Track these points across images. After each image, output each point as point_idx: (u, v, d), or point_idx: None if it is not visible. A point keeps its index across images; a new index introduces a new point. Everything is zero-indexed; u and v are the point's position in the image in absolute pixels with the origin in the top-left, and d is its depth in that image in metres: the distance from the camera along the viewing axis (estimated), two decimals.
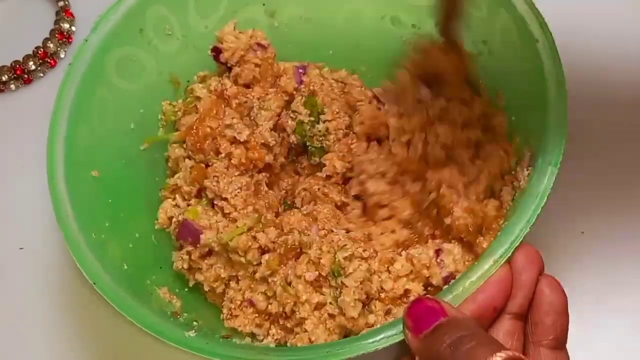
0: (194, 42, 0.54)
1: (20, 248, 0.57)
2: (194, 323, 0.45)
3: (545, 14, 0.46)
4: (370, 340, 0.38)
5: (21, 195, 0.59)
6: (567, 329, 0.39)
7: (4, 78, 0.63)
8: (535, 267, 0.40)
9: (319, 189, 0.51)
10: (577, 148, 0.55)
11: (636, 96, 0.59)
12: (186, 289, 0.50)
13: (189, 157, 0.51)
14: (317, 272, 0.45)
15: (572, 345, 0.40)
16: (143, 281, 0.46)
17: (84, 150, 0.47)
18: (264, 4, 0.55)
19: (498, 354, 0.33)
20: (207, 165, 0.50)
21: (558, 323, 0.39)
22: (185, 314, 0.46)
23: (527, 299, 0.40)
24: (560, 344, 0.39)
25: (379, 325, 0.44)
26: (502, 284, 0.39)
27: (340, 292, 0.44)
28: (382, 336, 0.38)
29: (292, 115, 0.52)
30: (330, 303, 0.44)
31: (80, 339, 0.53)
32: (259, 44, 0.53)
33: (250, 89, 0.53)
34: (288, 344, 0.46)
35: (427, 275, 0.45)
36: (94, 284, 0.42)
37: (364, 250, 0.46)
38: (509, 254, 0.39)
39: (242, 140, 0.50)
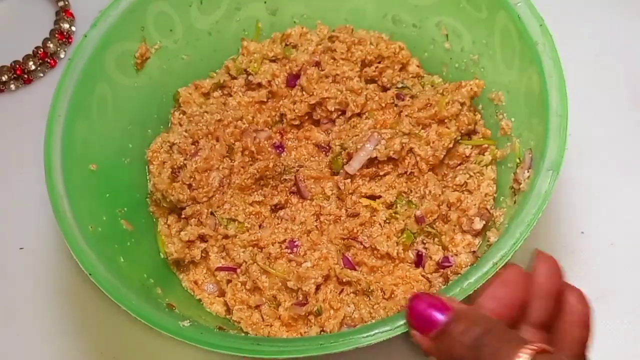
0: (196, 38, 0.54)
1: (20, 248, 0.57)
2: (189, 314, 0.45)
3: (545, 16, 0.45)
4: (364, 335, 0.38)
5: (21, 195, 0.59)
6: (590, 341, 0.39)
7: (4, 78, 0.63)
8: (557, 279, 0.40)
9: None
10: (577, 148, 0.55)
11: (636, 96, 0.59)
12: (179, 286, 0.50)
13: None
14: None
15: None
16: (139, 274, 0.46)
17: (82, 143, 0.47)
18: (265, 2, 0.55)
19: (524, 349, 0.33)
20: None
21: (584, 334, 0.39)
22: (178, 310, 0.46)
23: (548, 310, 0.39)
24: (583, 354, 0.39)
25: (373, 321, 0.44)
26: (514, 292, 0.39)
27: None
28: (376, 331, 0.38)
29: None
30: None
31: (80, 338, 0.53)
32: None
33: None
34: None
35: None
36: (90, 274, 0.41)
37: None
38: (509, 257, 0.39)
39: None
